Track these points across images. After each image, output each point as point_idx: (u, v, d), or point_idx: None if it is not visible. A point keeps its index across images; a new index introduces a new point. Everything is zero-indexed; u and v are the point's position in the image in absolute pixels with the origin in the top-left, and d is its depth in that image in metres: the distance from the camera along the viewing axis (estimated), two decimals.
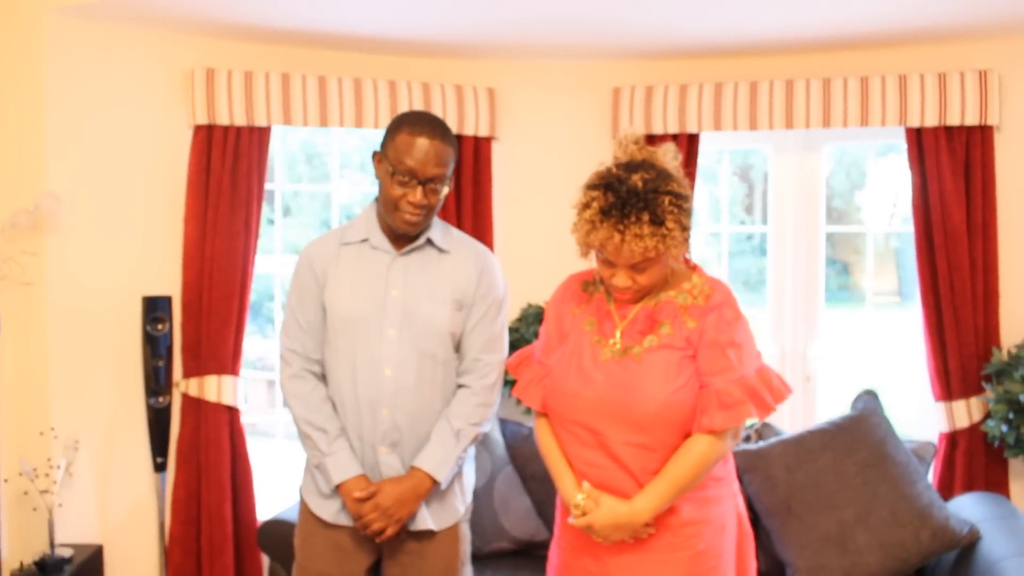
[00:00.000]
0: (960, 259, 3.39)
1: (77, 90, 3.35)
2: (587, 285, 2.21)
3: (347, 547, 2.34)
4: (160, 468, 3.53)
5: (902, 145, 3.54)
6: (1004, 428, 3.24)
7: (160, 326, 3.47)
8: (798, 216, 3.82)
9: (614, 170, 2.00)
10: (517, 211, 3.91)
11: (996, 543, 2.79)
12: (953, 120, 3.38)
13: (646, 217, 1.91)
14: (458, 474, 2.38)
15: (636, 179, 1.94)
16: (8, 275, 3.20)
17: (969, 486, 3.41)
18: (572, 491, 2.08)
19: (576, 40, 3.56)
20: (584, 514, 2.04)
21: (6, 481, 3.19)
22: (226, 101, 3.46)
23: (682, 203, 1.96)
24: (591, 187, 2.00)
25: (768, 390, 2.05)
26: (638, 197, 1.92)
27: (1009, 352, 3.35)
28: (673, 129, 3.64)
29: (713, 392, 2.01)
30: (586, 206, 1.99)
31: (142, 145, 3.49)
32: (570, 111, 3.87)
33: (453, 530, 2.38)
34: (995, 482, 3.44)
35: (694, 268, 2.14)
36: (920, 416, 3.74)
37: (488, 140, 3.79)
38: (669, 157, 2.05)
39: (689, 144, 3.65)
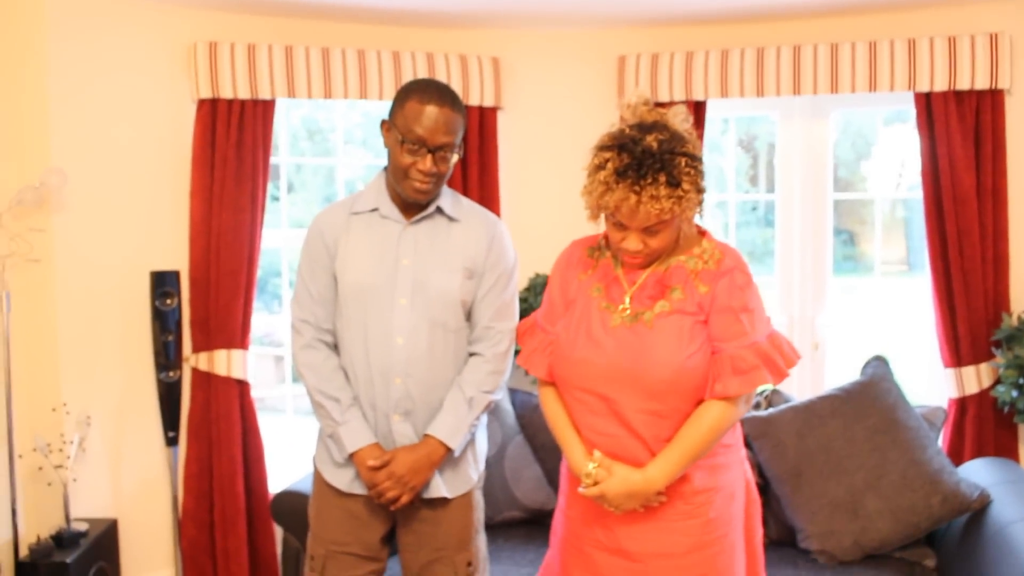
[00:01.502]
0: (970, 224, 3.38)
1: (80, 65, 3.33)
2: (592, 251, 2.18)
3: (361, 516, 2.35)
4: (172, 442, 3.55)
5: (909, 112, 3.51)
6: (1014, 393, 3.25)
7: (169, 301, 3.47)
8: (805, 183, 3.80)
9: (627, 131, 1.96)
10: (523, 181, 3.90)
11: (1006, 507, 2.80)
12: (963, 84, 3.35)
13: (663, 178, 1.88)
14: (471, 442, 2.38)
15: (651, 140, 1.91)
16: (16, 252, 3.20)
17: (979, 452, 3.42)
18: (582, 460, 2.06)
19: (581, 8, 3.53)
20: (596, 483, 2.02)
21: (20, 457, 3.20)
22: (229, 74, 3.44)
23: (697, 165, 1.94)
24: (604, 148, 1.96)
25: (780, 355, 2.04)
26: (654, 158, 1.89)
27: (1019, 317, 3.34)
28: (680, 97, 3.62)
29: (726, 357, 1.99)
30: (599, 167, 1.94)
31: (146, 119, 3.48)
32: (575, 80, 3.85)
33: (467, 497, 2.38)
34: (1005, 447, 3.45)
35: (703, 233, 2.12)
36: (929, 383, 3.74)
37: (493, 110, 3.77)
38: (680, 119, 2.02)
39: (696, 112, 3.62)
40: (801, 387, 3.74)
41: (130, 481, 3.56)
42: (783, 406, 3.17)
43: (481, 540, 2.45)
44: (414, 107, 2.19)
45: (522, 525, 3.29)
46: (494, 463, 3.24)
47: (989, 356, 3.41)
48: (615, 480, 2.00)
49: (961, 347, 3.43)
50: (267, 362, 5.90)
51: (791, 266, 3.85)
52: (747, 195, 5.42)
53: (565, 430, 2.13)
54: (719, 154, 4.50)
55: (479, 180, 3.74)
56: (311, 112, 6.54)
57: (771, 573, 2.80)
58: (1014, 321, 3.36)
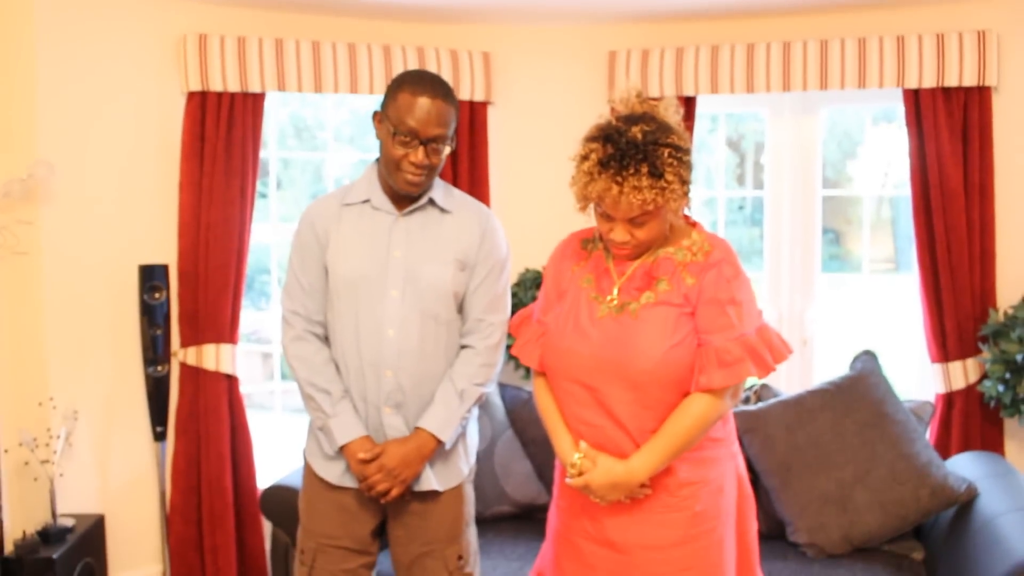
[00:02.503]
0: (957, 220, 3.40)
1: (69, 57, 3.31)
2: (586, 243, 2.19)
3: (352, 509, 2.34)
4: (160, 437, 3.53)
5: (896, 111, 3.53)
6: (1000, 388, 3.27)
7: (157, 295, 3.45)
8: (794, 179, 3.81)
9: (614, 122, 1.98)
10: (513, 176, 3.90)
11: (993, 500, 2.82)
12: (951, 81, 3.37)
13: (645, 169, 1.89)
14: (462, 435, 2.37)
15: (636, 131, 1.92)
16: (3, 244, 3.18)
17: (965, 446, 3.44)
18: (569, 450, 2.07)
19: (572, 3, 3.53)
20: (581, 474, 2.03)
21: (6, 451, 3.18)
22: (219, 67, 3.42)
23: (682, 156, 1.94)
24: (590, 139, 1.97)
25: (768, 349, 2.03)
26: (637, 149, 1.90)
27: (1005, 313, 3.36)
28: (670, 92, 3.63)
29: (712, 350, 1.99)
30: (584, 158, 1.96)
31: (135, 112, 3.46)
32: (566, 75, 3.85)
33: (457, 490, 2.38)
34: (991, 442, 3.47)
35: (694, 225, 2.12)
36: (917, 378, 3.76)
37: (484, 105, 3.77)
38: (671, 111, 2.03)
39: (686, 107, 3.63)
40: (790, 382, 3.75)
41: (117, 476, 3.54)
42: (772, 400, 3.18)
43: (472, 533, 2.44)
44: (406, 98, 2.18)
45: (512, 520, 3.29)
46: (484, 458, 3.23)
47: (976, 351, 3.44)
48: (598, 471, 2.01)
49: (948, 342, 3.45)
50: (255, 359, 5.89)
51: (780, 262, 3.86)
52: (736, 191, 5.44)
53: (554, 420, 2.13)
54: (707, 153, 4.51)
55: (469, 175, 3.74)
56: (299, 109, 6.52)
57: (760, 566, 2.82)
58: (1000, 317, 3.39)
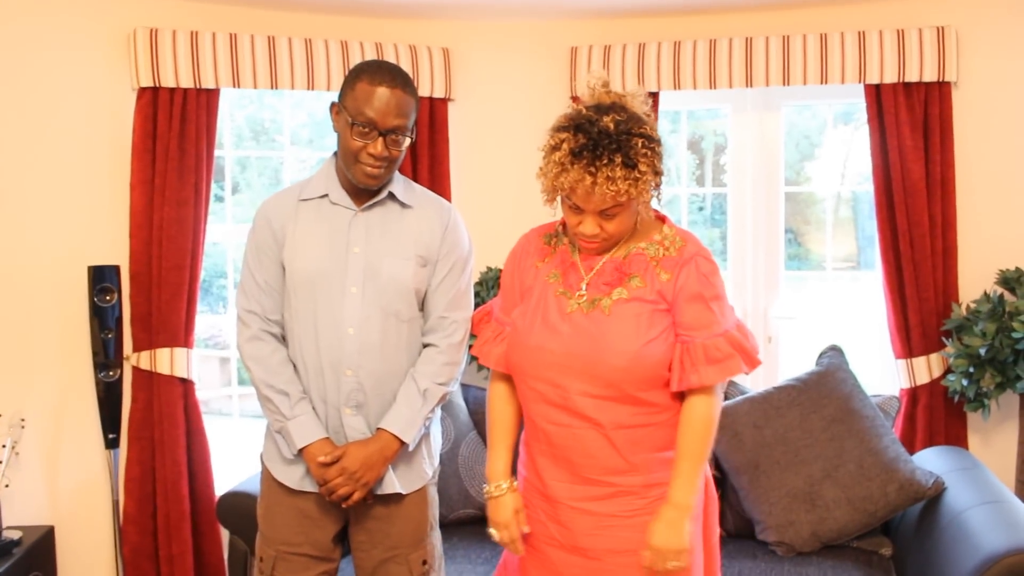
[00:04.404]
0: (919, 216, 3.40)
1: (11, 50, 3.20)
2: (549, 238, 2.14)
3: (312, 514, 2.27)
4: (112, 445, 3.41)
5: (854, 111, 3.53)
6: (964, 382, 3.27)
7: (108, 297, 3.34)
8: (757, 176, 3.81)
9: (584, 111, 1.93)
10: (475, 174, 3.84)
11: (960, 494, 2.82)
12: (911, 76, 3.38)
13: (618, 159, 1.85)
14: (425, 436, 2.31)
15: (608, 120, 1.88)
16: None
17: (930, 441, 3.44)
18: (500, 473, 2.10)
19: None
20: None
21: None
22: (171, 62, 3.32)
23: (654, 146, 1.91)
24: (560, 129, 1.92)
25: (749, 344, 2.02)
26: (610, 139, 1.86)
27: (968, 307, 3.37)
28: (632, 88, 3.57)
29: (699, 347, 1.95)
30: (555, 148, 1.91)
31: (83, 109, 3.35)
32: (527, 71, 3.81)
33: (421, 493, 2.31)
34: (955, 436, 3.48)
35: (663, 219, 2.09)
36: (881, 374, 3.76)
37: (444, 101, 3.71)
38: (638, 102, 2.00)
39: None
40: (755, 379, 3.72)
41: (67, 486, 3.42)
42: (740, 398, 3.16)
43: (436, 537, 2.38)
44: (364, 88, 2.12)
45: (477, 523, 3.22)
46: (447, 460, 3.17)
47: (939, 346, 3.44)
48: (660, 535, 1.94)
49: (912, 338, 3.45)
50: (213, 364, 5.77)
51: (743, 259, 3.85)
52: (700, 188, 5.43)
53: (499, 434, 2.13)
54: (668, 153, 4.48)
55: (430, 173, 3.67)
56: (256, 112, 6.41)
57: (730, 566, 2.79)
58: (963, 311, 3.39)
